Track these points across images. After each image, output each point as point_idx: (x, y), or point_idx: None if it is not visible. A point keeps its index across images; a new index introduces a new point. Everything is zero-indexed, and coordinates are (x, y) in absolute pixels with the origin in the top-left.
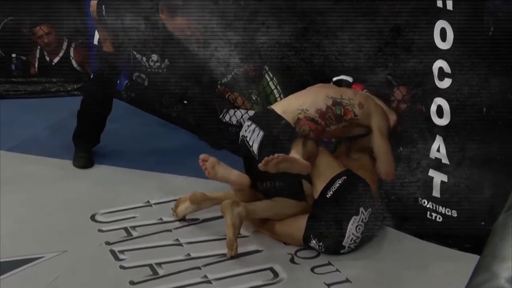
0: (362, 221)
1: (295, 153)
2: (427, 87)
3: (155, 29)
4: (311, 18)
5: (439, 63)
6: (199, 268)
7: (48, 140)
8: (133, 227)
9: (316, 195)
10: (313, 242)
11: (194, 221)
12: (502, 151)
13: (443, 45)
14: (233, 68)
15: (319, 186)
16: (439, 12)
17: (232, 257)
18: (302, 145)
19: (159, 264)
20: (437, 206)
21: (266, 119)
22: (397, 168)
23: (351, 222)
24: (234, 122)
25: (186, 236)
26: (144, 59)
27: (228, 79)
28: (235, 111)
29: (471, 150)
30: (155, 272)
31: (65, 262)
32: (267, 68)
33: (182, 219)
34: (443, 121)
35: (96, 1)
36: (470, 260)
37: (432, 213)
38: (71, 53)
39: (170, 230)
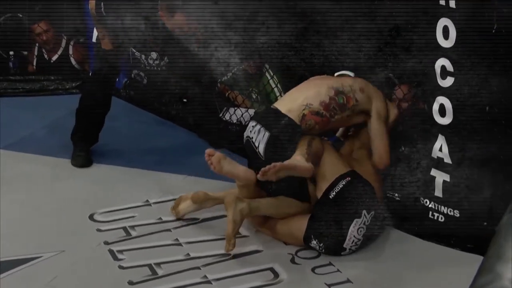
0: (364, 223)
1: (299, 154)
2: (429, 86)
3: (155, 29)
4: (311, 18)
5: (442, 62)
6: (198, 268)
7: (46, 138)
8: (132, 227)
9: (319, 195)
10: (314, 243)
11: (194, 221)
12: (504, 151)
13: (445, 43)
14: (233, 67)
15: (323, 186)
16: (442, 10)
17: (231, 255)
18: (307, 144)
19: (158, 264)
20: (439, 206)
21: (271, 119)
22: (399, 167)
23: (352, 224)
24: (234, 121)
25: (186, 235)
26: (143, 57)
27: (228, 77)
28: (235, 110)
29: (473, 149)
30: (154, 272)
31: (63, 262)
32: (267, 66)
33: (181, 218)
34: (446, 120)
35: (95, 0)
36: (472, 260)
37: (434, 213)
38: (70, 51)
39: (169, 230)
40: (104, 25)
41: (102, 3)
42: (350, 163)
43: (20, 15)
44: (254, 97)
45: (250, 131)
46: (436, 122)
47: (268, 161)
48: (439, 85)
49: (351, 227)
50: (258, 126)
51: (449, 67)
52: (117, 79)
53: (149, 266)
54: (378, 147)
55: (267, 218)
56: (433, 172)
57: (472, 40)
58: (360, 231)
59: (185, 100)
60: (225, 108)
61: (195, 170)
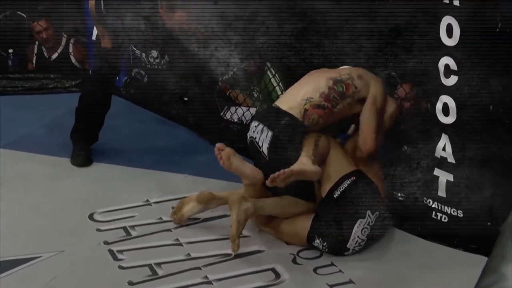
0: (368, 224)
1: (305, 156)
2: (432, 84)
3: (155, 29)
4: (311, 18)
5: (445, 60)
6: (199, 268)
7: (46, 137)
8: (132, 227)
9: (323, 194)
10: (317, 242)
11: (195, 221)
12: (508, 151)
13: (449, 42)
14: (233, 67)
15: (327, 185)
16: (446, 8)
17: (232, 255)
18: (314, 145)
19: (158, 264)
20: (442, 206)
21: (273, 118)
22: (401, 167)
23: (357, 224)
24: (235, 120)
25: (186, 235)
26: (144, 55)
27: (229, 76)
28: (236, 109)
29: (477, 149)
30: (154, 272)
31: (62, 262)
32: (269, 64)
33: (183, 222)
34: (449, 119)
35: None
36: (476, 261)
37: (437, 213)
38: (70, 49)
39: (169, 230)
40: (103, 24)
41: (102, 2)
42: (354, 161)
43: (20, 13)
44: (255, 96)
45: (253, 131)
46: (440, 121)
47: (272, 161)
48: (442, 84)
49: (355, 227)
50: (261, 126)
51: (453, 65)
52: (117, 78)
53: (149, 266)
54: (364, 130)
55: (271, 217)
56: (436, 171)
57: (476, 39)
58: (364, 231)
59: (185, 99)
60: (226, 107)
61: (195, 170)
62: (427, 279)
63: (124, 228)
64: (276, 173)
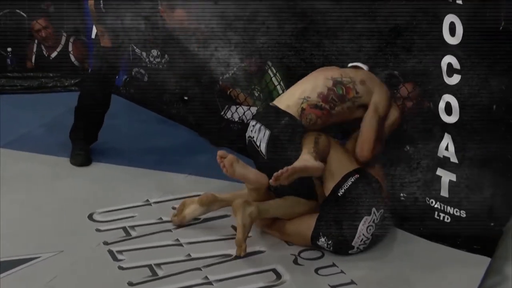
0: (373, 221)
1: (307, 153)
2: (435, 83)
3: (155, 29)
4: (311, 18)
5: (448, 59)
6: (199, 269)
7: (45, 136)
8: (132, 227)
9: (327, 193)
10: (322, 240)
11: (195, 221)
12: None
13: (452, 40)
14: (234, 67)
15: (331, 183)
16: (449, 7)
17: (232, 256)
18: (314, 143)
19: (158, 265)
20: (445, 206)
21: (271, 117)
22: (403, 167)
23: (362, 222)
24: (236, 119)
25: (187, 236)
26: (144, 54)
27: (230, 75)
28: (236, 108)
29: (480, 148)
30: (154, 273)
31: (62, 262)
32: (270, 63)
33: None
34: (452, 119)
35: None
36: (478, 261)
37: (440, 214)
38: (70, 48)
39: (170, 230)
40: (103, 23)
41: (101, 1)
42: (356, 159)
43: (19, 12)
44: (256, 95)
45: (251, 131)
46: (442, 121)
47: (271, 161)
48: (445, 82)
49: (360, 225)
50: (258, 125)
51: (456, 64)
52: (116, 77)
53: (149, 266)
54: (363, 137)
55: (274, 219)
56: (439, 171)
57: (479, 37)
58: (370, 229)
59: (186, 98)
60: (227, 106)
61: (196, 169)
62: (429, 279)
63: (124, 228)
64: (280, 171)
